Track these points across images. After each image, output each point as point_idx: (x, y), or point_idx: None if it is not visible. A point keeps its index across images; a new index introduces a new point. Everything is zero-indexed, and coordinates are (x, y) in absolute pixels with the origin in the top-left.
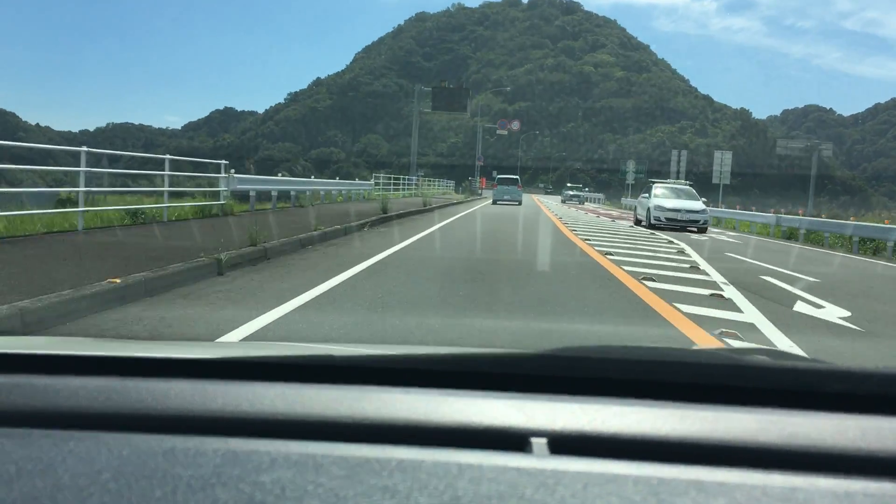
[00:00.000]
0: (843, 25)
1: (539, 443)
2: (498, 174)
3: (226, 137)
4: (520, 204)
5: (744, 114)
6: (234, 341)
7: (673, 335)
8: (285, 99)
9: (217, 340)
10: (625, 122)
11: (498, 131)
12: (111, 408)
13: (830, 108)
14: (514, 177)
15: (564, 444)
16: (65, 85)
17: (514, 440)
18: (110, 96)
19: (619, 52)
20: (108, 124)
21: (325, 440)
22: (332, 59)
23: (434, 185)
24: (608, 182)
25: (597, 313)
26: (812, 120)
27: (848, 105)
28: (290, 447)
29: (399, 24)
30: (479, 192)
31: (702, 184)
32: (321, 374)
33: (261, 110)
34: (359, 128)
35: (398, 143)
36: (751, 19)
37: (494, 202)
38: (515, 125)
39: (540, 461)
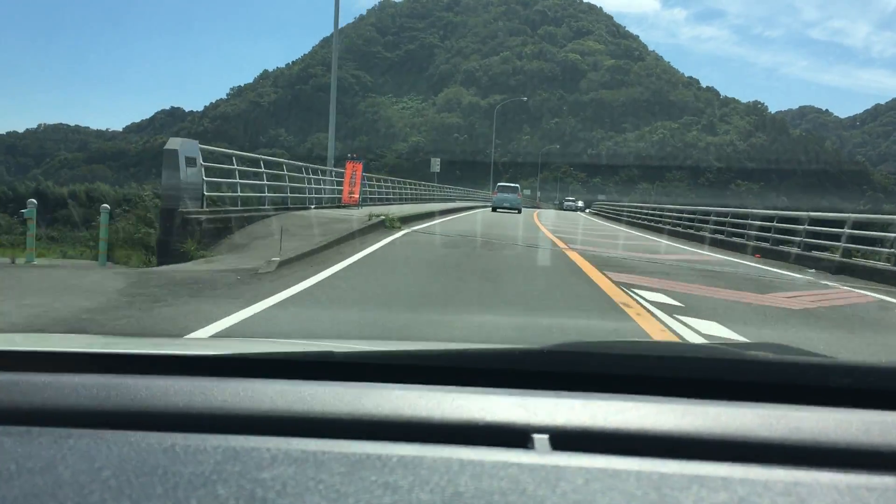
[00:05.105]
0: (809, 34)
1: (541, 439)
2: (499, 183)
3: (160, 139)
4: (519, 212)
5: (758, 108)
6: (233, 338)
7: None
8: (227, 94)
9: (216, 338)
10: (619, 118)
11: None
12: (111, 405)
13: (826, 110)
14: (515, 185)
15: (566, 440)
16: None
17: (515, 436)
18: (52, 97)
19: (607, 40)
20: (39, 125)
21: (325, 437)
22: (292, 53)
23: None
24: (602, 187)
25: None
26: (809, 121)
27: (838, 107)
28: (290, 444)
29: (361, 14)
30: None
31: (717, 187)
32: (321, 371)
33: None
34: (308, 126)
35: (350, 143)
36: (720, 28)
37: (494, 209)
38: None
39: (542, 457)
